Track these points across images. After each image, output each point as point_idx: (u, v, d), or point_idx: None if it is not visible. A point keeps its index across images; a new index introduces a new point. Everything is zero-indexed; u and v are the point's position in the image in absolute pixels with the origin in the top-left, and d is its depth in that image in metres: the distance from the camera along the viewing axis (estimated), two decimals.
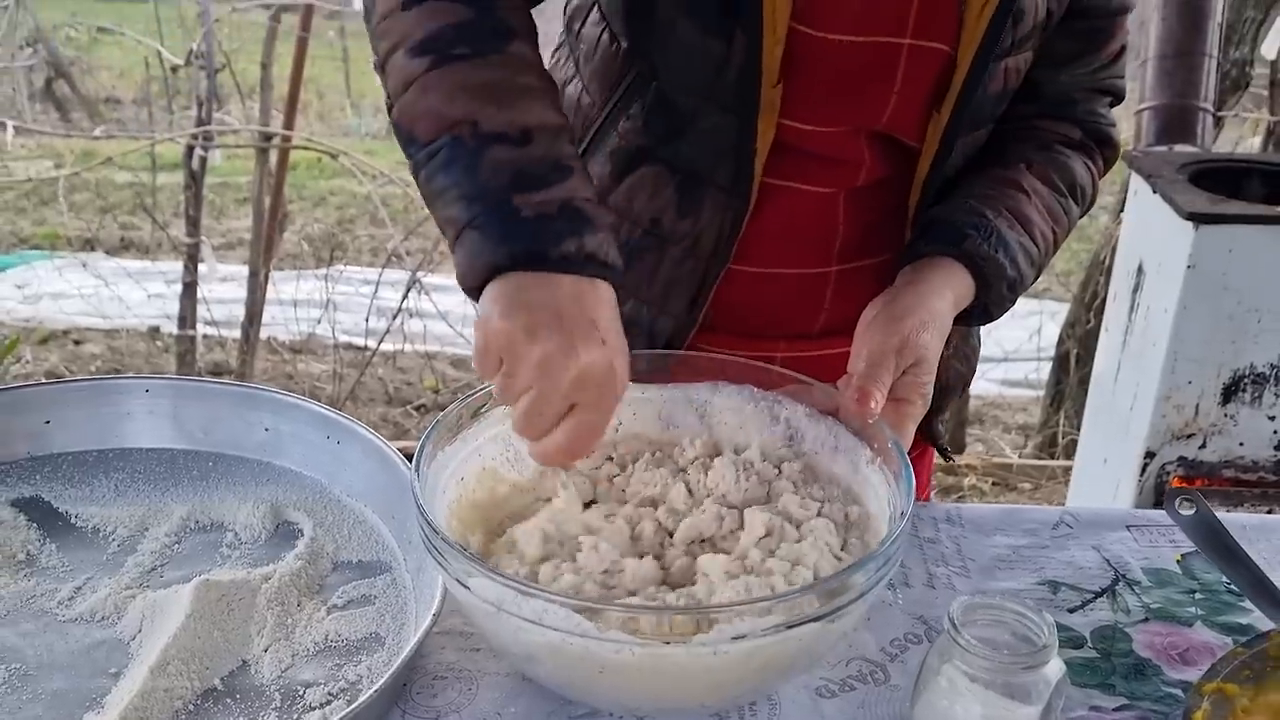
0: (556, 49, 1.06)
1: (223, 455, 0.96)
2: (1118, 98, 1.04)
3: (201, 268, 4.06)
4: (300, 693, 0.72)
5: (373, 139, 8.61)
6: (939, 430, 1.12)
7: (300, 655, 0.76)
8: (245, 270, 3.99)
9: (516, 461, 0.81)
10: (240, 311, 3.89)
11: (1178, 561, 0.90)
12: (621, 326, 0.73)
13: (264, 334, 4.13)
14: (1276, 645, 0.70)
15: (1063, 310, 3.95)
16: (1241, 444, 1.91)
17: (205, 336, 4.22)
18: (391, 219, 5.17)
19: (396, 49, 0.79)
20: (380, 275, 4.12)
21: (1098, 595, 0.86)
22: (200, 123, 4.01)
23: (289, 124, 4.10)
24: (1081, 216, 1.02)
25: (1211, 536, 0.75)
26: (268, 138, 4.03)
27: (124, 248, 6.32)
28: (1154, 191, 1.90)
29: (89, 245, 5.99)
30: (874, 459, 0.78)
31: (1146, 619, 0.83)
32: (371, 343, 3.91)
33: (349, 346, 4.21)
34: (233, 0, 4.60)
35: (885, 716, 0.73)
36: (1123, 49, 1.01)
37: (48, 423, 0.95)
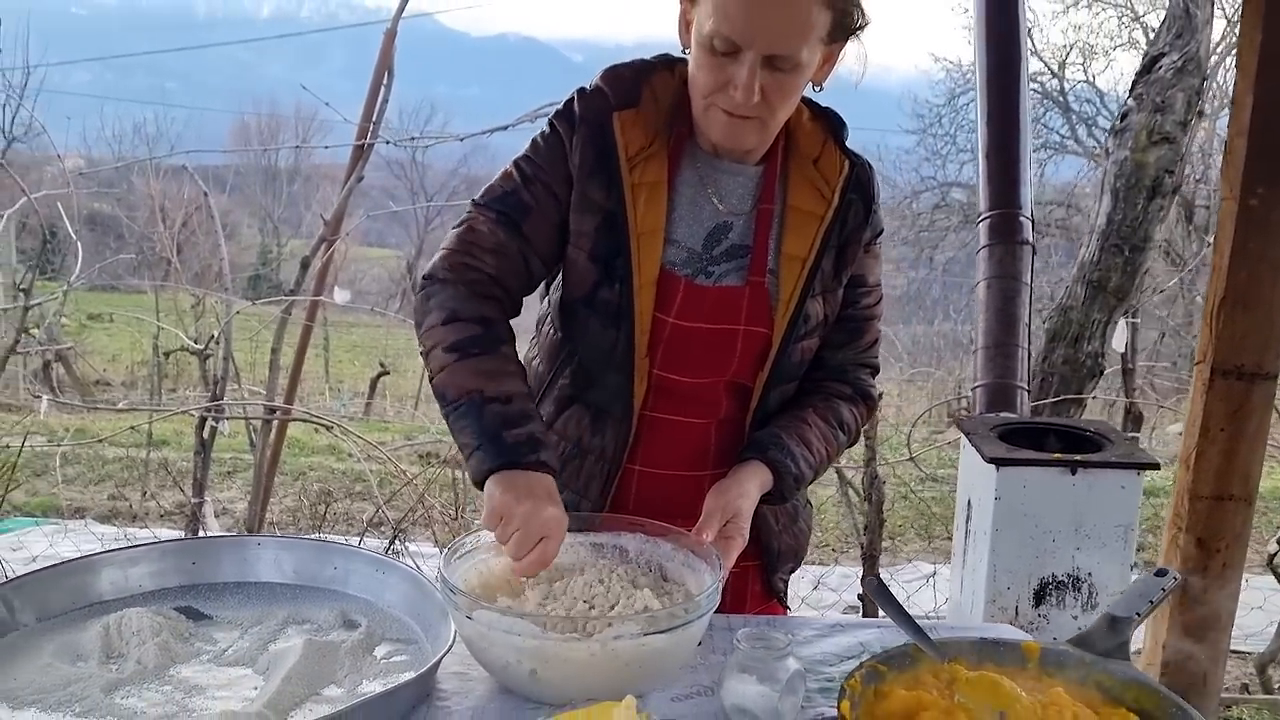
0: (531, 341, 1.70)
1: (306, 587, 1.49)
2: (874, 370, 1.69)
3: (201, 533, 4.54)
4: (365, 694, 1.24)
5: (349, 420, 9.27)
6: (779, 587, 1.69)
7: (365, 677, 1.27)
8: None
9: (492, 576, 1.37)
10: None
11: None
12: (560, 499, 1.34)
13: None
14: (915, 649, 1.22)
15: None
16: (1055, 638, 2.44)
17: None
18: (370, 491, 5.71)
19: (436, 347, 1.44)
20: (361, 541, 4.63)
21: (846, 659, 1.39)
22: (214, 398, 4.62)
23: (289, 399, 4.74)
24: (850, 443, 1.64)
25: (885, 595, 1.28)
26: (272, 410, 4.63)
27: (112, 515, 6.75)
28: (971, 446, 2.52)
29: (79, 513, 6.43)
30: (708, 567, 1.35)
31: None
32: None
33: None
34: (234, 296, 5.31)
35: (711, 710, 1.25)
36: (875, 341, 1.66)
37: (194, 563, 1.49)
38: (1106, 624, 1.24)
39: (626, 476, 1.58)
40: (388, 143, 5.12)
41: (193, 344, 5.56)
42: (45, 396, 4.59)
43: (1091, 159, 13.28)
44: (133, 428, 5.88)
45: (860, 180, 1.53)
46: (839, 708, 1.08)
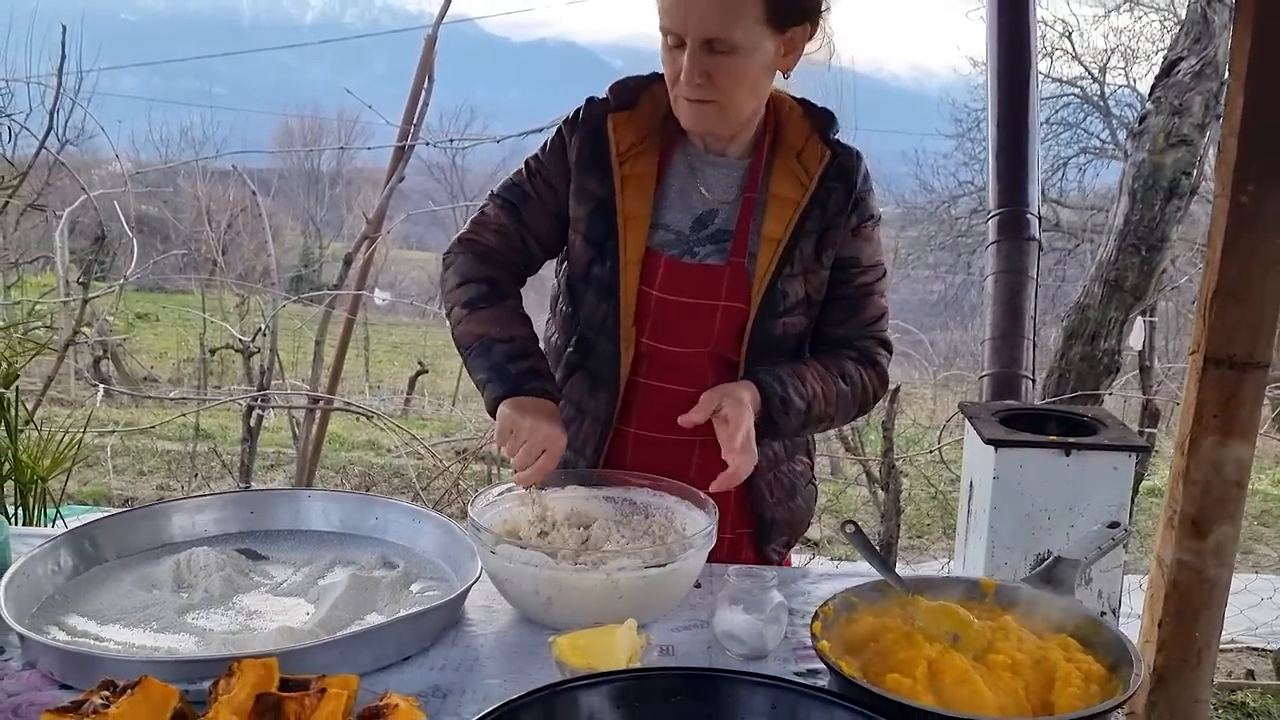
0: (547, 319, 1.88)
1: (350, 534, 1.68)
2: (883, 343, 1.83)
3: None
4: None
5: (389, 416, 9.51)
6: (773, 559, 1.84)
7: (403, 607, 1.45)
8: None
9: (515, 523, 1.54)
10: None
11: None
12: (560, 420, 1.54)
13: None
14: (886, 585, 1.37)
15: None
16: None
17: None
18: (409, 485, 5.92)
19: (454, 306, 1.65)
20: None
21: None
22: (261, 388, 4.85)
23: (331, 390, 4.95)
24: (859, 403, 1.77)
25: (860, 538, 1.43)
26: (315, 400, 4.84)
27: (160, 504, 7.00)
28: (973, 428, 2.66)
29: (128, 503, 6.70)
30: (705, 515, 1.51)
31: None
32: None
33: None
34: (280, 292, 5.53)
35: (705, 639, 1.42)
36: (880, 317, 1.80)
37: (252, 512, 1.68)
38: (1057, 565, 1.39)
39: (621, 439, 1.75)
40: (427, 144, 5.33)
41: (241, 338, 5.78)
42: (102, 386, 4.84)
43: (1125, 158, 13.23)
44: (182, 417, 6.13)
45: (843, 168, 1.69)
46: (811, 628, 1.24)
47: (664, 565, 1.37)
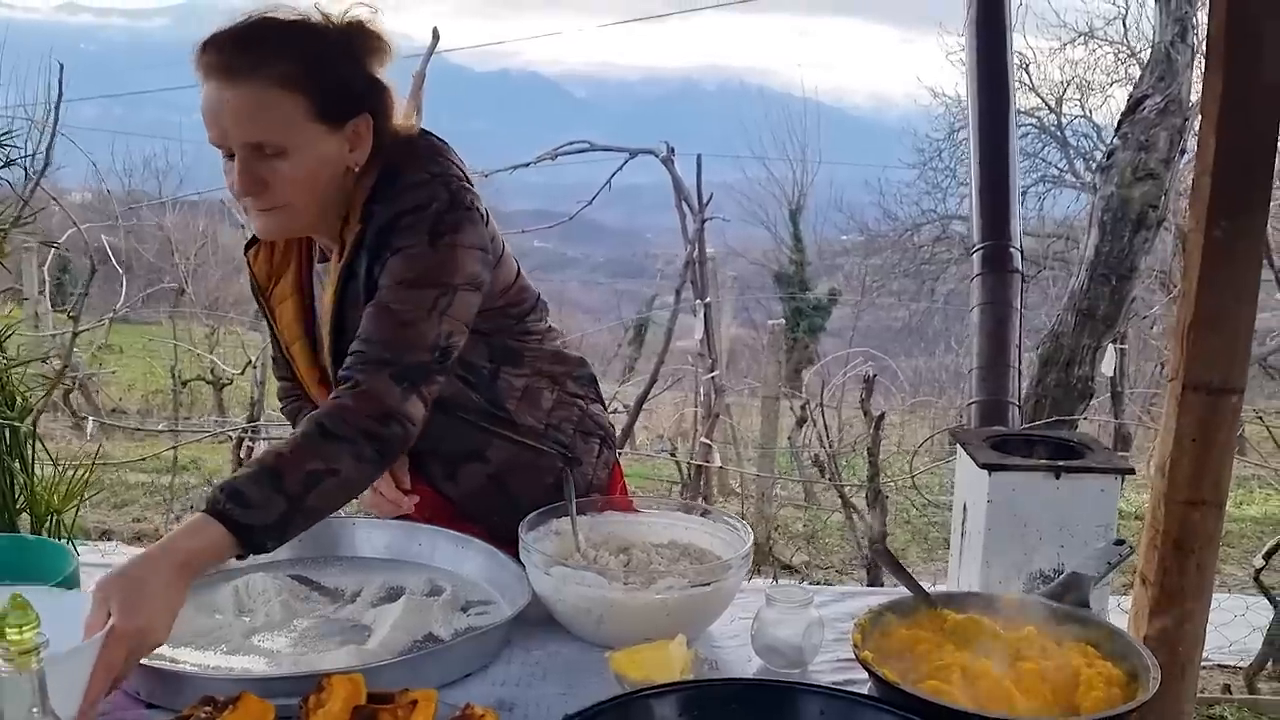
0: None
1: (396, 560, 1.75)
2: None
3: None
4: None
5: None
6: None
7: (457, 628, 1.53)
8: None
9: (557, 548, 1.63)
10: None
11: None
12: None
13: None
14: (914, 601, 1.47)
15: None
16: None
17: None
18: None
19: None
20: None
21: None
22: (251, 418, 4.89)
23: None
24: None
25: (887, 556, 1.54)
26: None
27: (138, 537, 6.99)
28: (966, 454, 2.78)
29: (105, 536, 6.68)
30: (739, 536, 1.61)
31: None
32: None
33: None
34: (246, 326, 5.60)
35: (746, 653, 1.51)
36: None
37: (300, 540, 1.75)
38: (1071, 580, 1.50)
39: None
40: None
41: (229, 369, 5.81)
42: (91, 419, 4.86)
43: (1089, 192, 13.55)
44: (169, 450, 6.14)
45: (375, 226, 1.56)
46: (852, 638, 1.34)
47: (708, 585, 1.46)
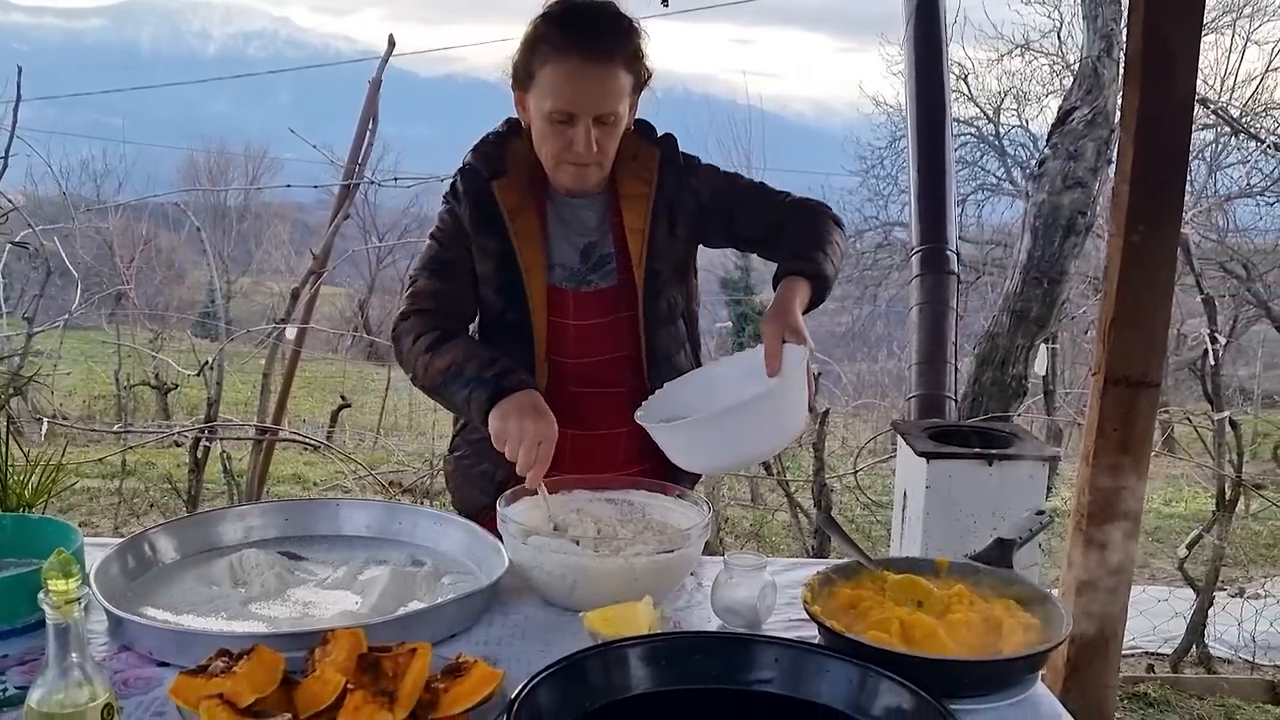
0: None
1: (378, 538, 1.88)
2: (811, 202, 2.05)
3: None
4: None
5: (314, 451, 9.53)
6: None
7: (439, 596, 1.65)
8: None
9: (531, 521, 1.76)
10: None
11: None
12: (546, 407, 1.75)
13: None
14: (857, 564, 1.63)
15: None
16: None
17: None
18: None
19: (415, 361, 1.90)
20: None
21: None
22: (208, 419, 4.95)
23: (277, 421, 5.08)
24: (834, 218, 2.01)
25: (833, 524, 1.69)
26: (263, 431, 4.96)
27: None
28: (906, 444, 2.96)
29: None
30: (697, 509, 1.75)
31: None
32: None
33: None
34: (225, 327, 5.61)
35: (706, 612, 1.65)
36: (782, 190, 2.03)
37: (287, 519, 1.87)
38: (997, 545, 1.67)
39: (558, 441, 1.87)
40: (373, 183, 5.51)
41: (185, 372, 5.85)
42: (45, 420, 4.89)
43: (1025, 199, 13.86)
44: (117, 454, 6.14)
45: (669, 157, 1.99)
46: (803, 595, 1.49)
47: (672, 551, 1.61)
